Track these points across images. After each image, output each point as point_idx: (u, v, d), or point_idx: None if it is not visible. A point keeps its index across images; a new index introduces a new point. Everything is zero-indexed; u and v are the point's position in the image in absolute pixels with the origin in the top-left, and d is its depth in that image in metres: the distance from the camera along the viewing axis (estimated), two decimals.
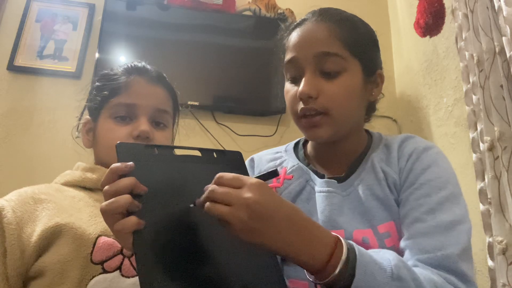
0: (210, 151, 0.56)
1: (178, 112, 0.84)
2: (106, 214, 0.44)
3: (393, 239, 0.60)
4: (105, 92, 0.73)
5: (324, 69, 0.63)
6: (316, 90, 0.62)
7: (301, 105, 0.63)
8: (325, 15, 0.67)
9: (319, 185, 0.68)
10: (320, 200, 0.65)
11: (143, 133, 0.70)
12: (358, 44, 0.65)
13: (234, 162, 0.58)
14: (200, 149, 0.56)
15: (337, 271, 0.45)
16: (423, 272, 0.51)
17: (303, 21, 0.69)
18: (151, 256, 0.43)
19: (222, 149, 0.58)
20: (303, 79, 0.63)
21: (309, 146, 0.77)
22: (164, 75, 0.80)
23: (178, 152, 0.56)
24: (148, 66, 0.79)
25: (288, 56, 0.67)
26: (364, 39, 0.68)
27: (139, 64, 0.78)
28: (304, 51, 0.64)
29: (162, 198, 0.47)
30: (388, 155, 0.68)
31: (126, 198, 0.43)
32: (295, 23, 0.70)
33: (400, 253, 0.58)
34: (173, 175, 0.51)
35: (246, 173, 0.56)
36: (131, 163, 0.46)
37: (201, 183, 0.48)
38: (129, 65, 0.77)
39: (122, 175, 0.45)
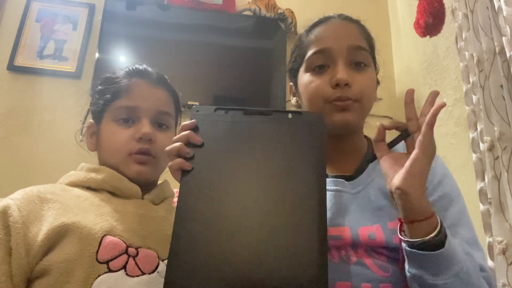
0: (285, 112, 0.55)
1: (180, 113, 0.85)
2: (167, 154, 0.54)
3: None
4: (107, 96, 0.74)
5: (356, 61, 0.67)
6: (351, 79, 0.65)
7: (334, 92, 0.65)
8: (348, 17, 0.72)
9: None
10: (327, 198, 0.66)
11: (145, 135, 0.70)
12: (373, 46, 0.72)
13: (311, 125, 0.54)
14: (273, 110, 0.55)
15: (437, 229, 0.51)
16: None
17: (327, 18, 0.72)
18: (189, 201, 0.49)
19: (300, 110, 0.58)
20: (338, 68, 0.65)
21: None
22: (166, 77, 0.81)
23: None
24: (150, 69, 0.79)
25: (317, 46, 0.68)
26: (373, 42, 0.74)
27: (140, 67, 0.79)
28: (338, 42, 0.67)
29: (218, 152, 0.53)
30: None
31: (178, 144, 0.53)
32: (318, 20, 0.73)
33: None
34: (236, 134, 0.54)
35: (323, 139, 0.54)
36: (193, 120, 0.55)
37: (268, 143, 0.52)
38: (131, 68, 0.78)
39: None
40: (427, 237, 0.51)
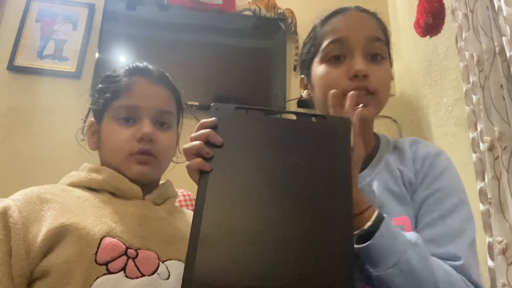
0: (309, 115, 0.53)
1: (182, 111, 0.84)
2: (185, 153, 0.52)
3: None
4: (108, 95, 0.73)
5: (373, 52, 0.66)
6: (369, 71, 0.63)
7: (351, 84, 0.63)
8: (365, 9, 0.71)
9: None
10: None
11: (146, 135, 0.70)
12: (388, 39, 0.71)
13: (335, 129, 0.52)
14: (296, 113, 0.53)
15: (369, 222, 0.51)
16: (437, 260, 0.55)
17: (344, 9, 0.70)
18: (209, 205, 0.47)
19: (323, 114, 0.57)
20: (355, 59, 0.64)
21: None
22: (167, 74, 0.80)
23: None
24: (150, 66, 0.78)
25: (334, 36, 0.66)
26: (389, 35, 0.73)
27: (141, 65, 0.77)
28: (356, 32, 0.65)
29: (239, 153, 0.50)
30: (401, 156, 0.70)
31: (198, 142, 0.51)
32: (334, 11, 0.71)
33: None
34: (258, 136, 0.52)
35: (348, 144, 0.51)
36: (213, 118, 0.52)
37: (292, 148, 0.50)
38: (131, 66, 0.77)
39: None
40: (357, 230, 0.52)
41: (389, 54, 0.71)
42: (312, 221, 0.46)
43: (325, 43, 0.67)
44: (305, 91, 0.75)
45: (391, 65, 0.72)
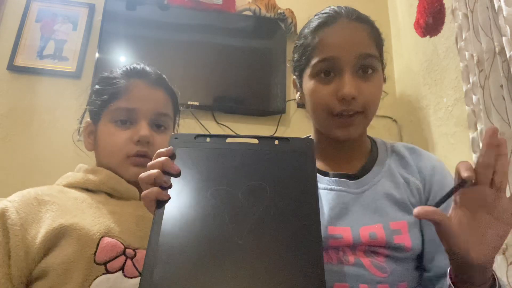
0: (271, 138, 0.52)
1: (179, 113, 0.84)
2: (141, 182, 0.50)
3: (403, 237, 0.61)
4: (105, 96, 0.73)
5: (363, 69, 0.64)
6: (357, 91, 0.63)
7: (339, 105, 0.63)
8: (355, 14, 0.67)
9: (327, 183, 0.68)
10: (329, 198, 0.66)
11: (143, 138, 0.70)
12: (381, 45, 0.69)
13: (299, 150, 0.51)
14: (258, 137, 0.52)
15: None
16: None
17: (334, 18, 0.67)
18: (165, 236, 0.44)
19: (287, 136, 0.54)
20: (344, 80, 0.63)
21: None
22: (164, 76, 0.80)
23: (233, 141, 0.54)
24: (148, 68, 0.78)
25: (324, 54, 0.65)
26: (382, 40, 0.71)
27: (138, 67, 0.77)
28: (346, 51, 0.64)
29: (198, 180, 0.49)
30: (402, 161, 0.71)
31: (155, 171, 0.49)
32: (323, 20, 0.67)
33: (414, 254, 0.62)
34: (218, 162, 0.50)
35: (312, 163, 0.50)
36: (170, 147, 0.51)
37: (254, 172, 0.49)
38: (128, 68, 0.77)
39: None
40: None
41: (382, 61, 0.69)
42: (278, 243, 0.43)
43: (314, 59, 0.66)
44: (298, 94, 0.75)
45: (384, 66, 0.71)
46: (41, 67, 1.80)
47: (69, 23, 1.91)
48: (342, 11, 0.68)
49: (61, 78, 1.81)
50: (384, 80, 0.72)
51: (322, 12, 0.70)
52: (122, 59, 1.83)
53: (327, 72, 0.65)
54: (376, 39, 0.68)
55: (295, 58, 0.73)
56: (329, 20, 0.67)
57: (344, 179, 0.67)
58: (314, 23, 0.68)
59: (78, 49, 1.86)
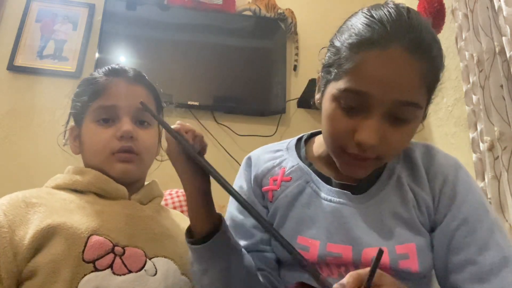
0: None
1: (162, 109, 0.84)
2: (181, 129, 0.58)
3: (411, 262, 0.57)
4: (85, 97, 0.74)
5: (397, 116, 0.53)
6: (380, 139, 0.52)
7: (354, 146, 0.54)
8: (413, 41, 0.51)
9: (328, 192, 0.63)
10: (329, 210, 0.62)
11: (126, 133, 0.70)
12: (435, 86, 0.56)
13: None
14: None
15: None
16: None
17: (384, 42, 0.51)
18: None
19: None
20: (367, 124, 0.52)
21: (316, 144, 0.71)
22: (144, 74, 0.80)
23: None
24: (126, 67, 0.78)
25: (354, 85, 0.52)
26: (439, 79, 0.56)
27: (117, 66, 0.78)
28: (383, 91, 0.51)
29: None
30: (413, 170, 0.63)
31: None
32: (368, 37, 0.52)
33: (419, 278, 0.58)
34: None
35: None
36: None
37: None
38: (107, 68, 0.78)
39: None
40: None
41: (428, 102, 0.56)
42: None
43: (342, 83, 0.53)
44: (317, 96, 0.64)
45: (425, 116, 0.58)
46: (41, 67, 1.80)
47: (69, 23, 1.91)
48: (399, 31, 0.51)
49: (61, 78, 1.81)
50: (423, 118, 0.58)
51: (371, 18, 0.53)
52: (122, 59, 1.83)
53: (350, 108, 0.54)
54: (431, 80, 0.54)
55: (326, 59, 0.60)
56: (378, 42, 0.51)
57: (345, 191, 0.62)
58: (357, 37, 0.53)
59: (78, 49, 1.86)
